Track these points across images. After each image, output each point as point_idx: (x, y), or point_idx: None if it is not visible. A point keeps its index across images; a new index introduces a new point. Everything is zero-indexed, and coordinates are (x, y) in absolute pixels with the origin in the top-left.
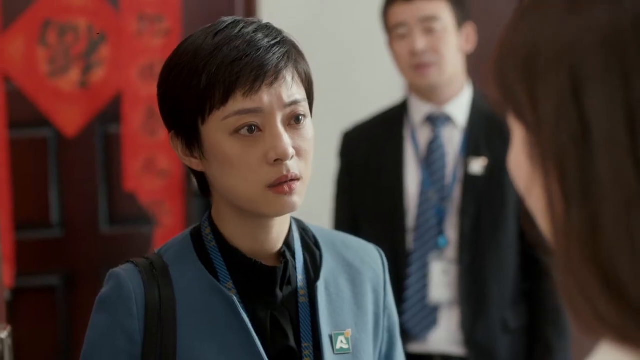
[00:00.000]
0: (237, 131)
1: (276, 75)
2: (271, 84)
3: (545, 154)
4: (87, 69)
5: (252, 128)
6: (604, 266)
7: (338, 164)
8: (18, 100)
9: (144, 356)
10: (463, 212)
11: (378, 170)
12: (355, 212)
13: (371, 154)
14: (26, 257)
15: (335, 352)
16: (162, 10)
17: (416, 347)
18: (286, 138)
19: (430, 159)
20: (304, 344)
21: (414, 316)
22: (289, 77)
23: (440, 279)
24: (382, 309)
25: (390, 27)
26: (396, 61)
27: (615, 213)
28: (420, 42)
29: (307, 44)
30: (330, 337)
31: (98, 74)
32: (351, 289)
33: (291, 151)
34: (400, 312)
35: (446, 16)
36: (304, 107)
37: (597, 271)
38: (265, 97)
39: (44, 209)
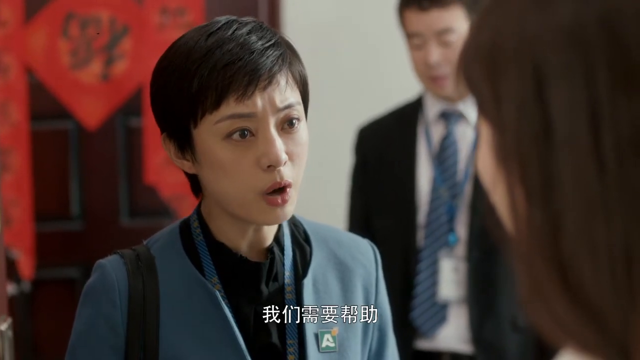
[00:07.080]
0: (229, 136)
1: (270, 79)
2: (264, 88)
3: (508, 154)
4: (109, 62)
5: (244, 133)
6: (565, 269)
7: (353, 159)
8: (40, 93)
9: (127, 347)
10: (474, 210)
11: (391, 166)
12: (368, 208)
13: (385, 149)
14: (46, 249)
15: (321, 350)
16: (185, 3)
17: (425, 344)
18: (279, 144)
19: (443, 156)
20: (288, 341)
21: (423, 313)
22: (282, 81)
23: (450, 277)
24: (372, 307)
25: (407, 34)
26: (413, 68)
27: (576, 216)
28: (435, 54)
29: (331, 41)
30: (316, 335)
31: (120, 67)
32: (340, 286)
33: (284, 157)
34: (410, 309)
35: (461, 25)
36: (298, 111)
37: (557, 274)
38: (258, 101)
39: (64, 201)
